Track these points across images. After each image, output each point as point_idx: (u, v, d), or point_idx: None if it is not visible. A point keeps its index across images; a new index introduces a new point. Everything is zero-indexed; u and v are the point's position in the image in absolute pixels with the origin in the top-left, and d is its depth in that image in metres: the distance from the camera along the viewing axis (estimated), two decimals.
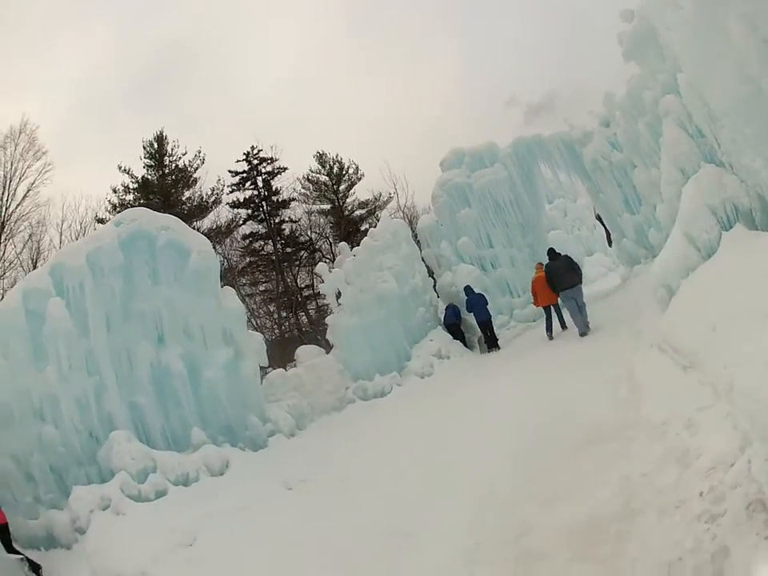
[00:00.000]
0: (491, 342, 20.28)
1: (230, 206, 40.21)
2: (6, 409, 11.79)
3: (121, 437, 11.88)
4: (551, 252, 18.34)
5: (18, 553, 10.47)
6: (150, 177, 38.43)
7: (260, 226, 40.39)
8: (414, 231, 24.60)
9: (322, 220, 41.88)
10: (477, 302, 20.47)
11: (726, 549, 4.50)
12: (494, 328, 20.64)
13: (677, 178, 12.55)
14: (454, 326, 20.85)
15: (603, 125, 22.81)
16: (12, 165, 32.92)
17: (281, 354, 25.08)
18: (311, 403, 16.53)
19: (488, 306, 20.56)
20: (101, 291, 12.87)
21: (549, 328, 18.10)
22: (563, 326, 18.07)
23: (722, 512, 4.87)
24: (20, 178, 33.05)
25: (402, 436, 12.52)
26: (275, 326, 38.55)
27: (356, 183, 42.61)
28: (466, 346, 20.75)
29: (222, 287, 15.35)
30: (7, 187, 32.63)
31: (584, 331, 16.41)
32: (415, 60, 79.75)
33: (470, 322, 21.14)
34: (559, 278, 17.25)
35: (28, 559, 10.20)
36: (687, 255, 10.33)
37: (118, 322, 13.06)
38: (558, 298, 17.85)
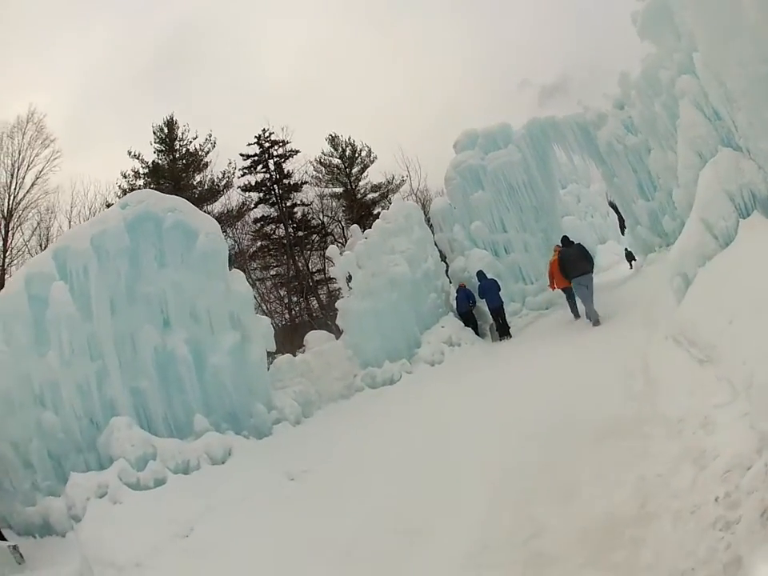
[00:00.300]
0: (503, 330, 20.05)
1: (242, 190, 40.04)
2: (6, 395, 11.66)
3: (121, 423, 11.70)
4: (565, 239, 18.37)
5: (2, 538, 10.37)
6: (160, 161, 38.32)
7: (272, 210, 40.15)
8: (426, 215, 24.34)
9: (334, 203, 41.72)
10: (489, 288, 20.22)
11: (739, 559, 4.26)
12: (506, 315, 20.40)
13: (694, 162, 12.22)
14: (467, 313, 20.60)
15: (617, 107, 22.43)
16: (20, 153, 33.30)
17: (291, 339, 24.87)
18: (319, 390, 16.29)
19: (500, 293, 20.29)
20: (106, 274, 12.65)
21: (573, 309, 18.09)
22: (576, 314, 17.84)
23: (736, 519, 4.60)
24: (28, 166, 33.47)
25: (410, 426, 12.25)
26: (285, 311, 38.39)
27: (369, 166, 42.31)
28: (477, 333, 20.49)
29: (230, 270, 15.09)
30: (15, 175, 32.96)
31: (596, 319, 16.35)
32: (428, 41, 79.38)
33: (481, 308, 20.89)
34: (571, 265, 17.22)
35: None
36: (704, 243, 9.93)
37: (123, 306, 12.84)
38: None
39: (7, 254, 31.97)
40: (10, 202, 32.55)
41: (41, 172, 33.62)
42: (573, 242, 18.08)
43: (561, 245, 18.40)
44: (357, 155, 41.92)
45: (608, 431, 7.91)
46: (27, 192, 33.21)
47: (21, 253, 31.99)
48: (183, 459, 11.62)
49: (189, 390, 13.08)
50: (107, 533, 9.51)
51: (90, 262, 12.51)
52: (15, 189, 32.82)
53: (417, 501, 8.26)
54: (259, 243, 40.01)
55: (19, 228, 33.09)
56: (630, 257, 29.06)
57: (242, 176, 40.14)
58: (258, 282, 36.74)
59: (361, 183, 42.09)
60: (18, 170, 33.09)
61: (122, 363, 12.52)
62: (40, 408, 11.84)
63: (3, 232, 32.27)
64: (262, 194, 40.18)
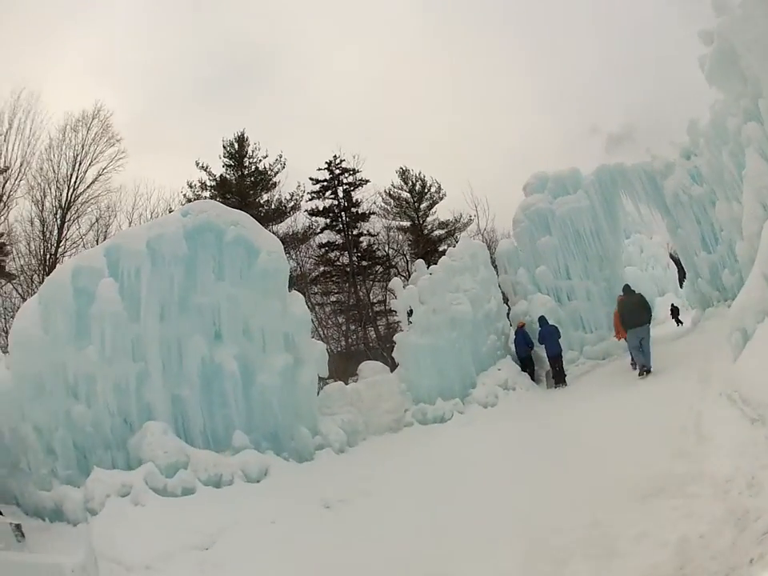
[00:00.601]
0: (559, 377, 19.50)
1: (309, 214, 39.94)
2: (37, 379, 11.60)
3: (156, 428, 11.53)
4: (626, 288, 18.17)
5: None
6: (228, 176, 38.54)
7: (337, 237, 40.04)
8: (492, 255, 23.97)
9: (400, 236, 41.36)
10: (550, 335, 19.75)
11: None
12: (564, 363, 19.89)
13: (759, 214, 11.82)
14: (527, 358, 20.16)
15: (684, 157, 22.03)
16: (83, 148, 34.01)
17: (344, 367, 24.60)
18: (367, 421, 15.92)
19: (560, 340, 19.82)
20: (158, 279, 12.54)
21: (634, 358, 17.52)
22: (634, 365, 17.31)
23: None
24: (90, 162, 34.14)
25: (455, 467, 11.75)
26: (342, 338, 38.05)
27: (437, 202, 41.92)
28: (533, 378, 19.97)
29: (290, 292, 14.92)
30: (77, 169, 33.68)
31: (648, 368, 16.12)
32: (502, 81, 79.17)
33: (539, 354, 20.40)
34: (631, 315, 17.04)
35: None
36: (765, 298, 9.56)
37: (173, 313, 12.70)
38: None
39: (61, 244, 32.51)
40: (69, 194, 33.27)
41: (104, 169, 34.35)
42: (634, 292, 17.90)
43: (622, 293, 18.06)
44: (426, 191, 41.60)
45: (656, 489, 7.48)
46: (88, 187, 33.95)
47: (75, 245, 32.30)
48: (216, 473, 11.36)
49: (232, 405, 12.82)
50: (122, 531, 9.31)
51: (143, 263, 12.43)
52: (76, 182, 33.55)
53: (452, 548, 7.77)
54: (322, 268, 39.86)
55: (76, 220, 33.68)
56: (675, 313, 28.52)
57: (311, 200, 40.17)
58: (317, 307, 36.54)
59: (428, 219, 41.74)
60: (80, 164, 33.81)
61: (165, 369, 12.38)
62: (72, 399, 11.73)
63: (59, 222, 32.84)
64: (329, 220, 40.10)
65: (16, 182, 32.54)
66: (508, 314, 22.02)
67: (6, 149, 32.71)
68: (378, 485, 11.40)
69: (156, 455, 11.09)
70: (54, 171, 33.26)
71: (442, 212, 41.78)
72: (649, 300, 18.71)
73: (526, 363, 20.17)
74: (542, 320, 20.22)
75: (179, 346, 12.68)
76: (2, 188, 32.29)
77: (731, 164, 16.33)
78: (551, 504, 8.28)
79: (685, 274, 26.73)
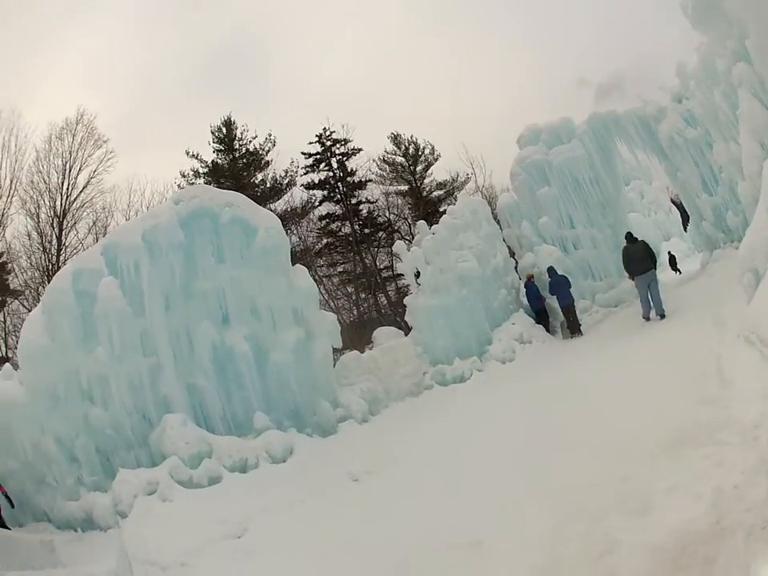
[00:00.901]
0: (573, 328, 19.27)
1: (305, 188, 39.59)
2: (51, 390, 11.55)
3: (175, 420, 11.49)
4: (628, 236, 17.87)
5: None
6: (219, 161, 38.30)
7: (336, 207, 39.63)
8: (493, 211, 23.71)
9: (399, 201, 41.00)
10: (560, 285, 19.49)
11: None
12: (577, 312, 19.67)
13: (757, 153, 11.64)
14: (541, 310, 19.96)
15: (675, 100, 21.55)
16: (71, 154, 34.31)
17: (359, 336, 24.49)
18: (386, 387, 15.83)
19: (570, 290, 19.59)
20: (158, 270, 12.44)
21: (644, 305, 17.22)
22: (645, 311, 17.05)
23: None
24: (80, 167, 34.46)
25: (481, 427, 11.50)
26: (353, 308, 38.17)
27: (432, 164, 41.40)
28: (548, 330, 19.78)
29: (293, 266, 14.74)
30: (68, 176, 34.00)
31: (662, 314, 16.05)
32: (488, 40, 78.24)
33: (552, 305, 20.19)
34: (635, 262, 16.87)
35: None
36: None
37: (178, 302, 12.62)
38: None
39: (62, 253, 32.71)
40: (64, 202, 33.64)
41: (94, 172, 34.67)
42: (636, 239, 17.61)
43: (625, 241, 17.74)
44: (420, 153, 41.10)
45: (684, 438, 7.20)
46: (81, 192, 34.29)
47: (76, 251, 32.18)
48: (241, 457, 11.32)
49: (249, 387, 12.76)
50: (153, 530, 9.27)
51: (141, 257, 12.34)
52: (68, 189, 33.94)
53: (482, 513, 7.57)
54: (325, 241, 39.61)
55: (74, 227, 34.11)
56: (672, 262, 28.24)
57: (305, 174, 39.76)
58: (324, 279, 36.55)
59: (425, 181, 41.24)
60: (70, 170, 34.14)
61: (177, 359, 12.31)
62: (88, 403, 11.71)
63: (57, 231, 33.18)
64: (326, 192, 39.71)
65: (8, 200, 32.96)
66: (516, 267, 21.81)
67: None
68: (404, 452, 11.21)
69: (178, 447, 11.06)
70: (45, 182, 33.64)
71: (438, 173, 41.88)
72: (653, 246, 18.64)
73: (541, 315, 19.97)
74: (551, 270, 19.97)
75: (188, 334, 12.61)
76: None
77: (725, 105, 16.15)
78: (579, 460, 8.05)
79: (688, 217, 26.32)
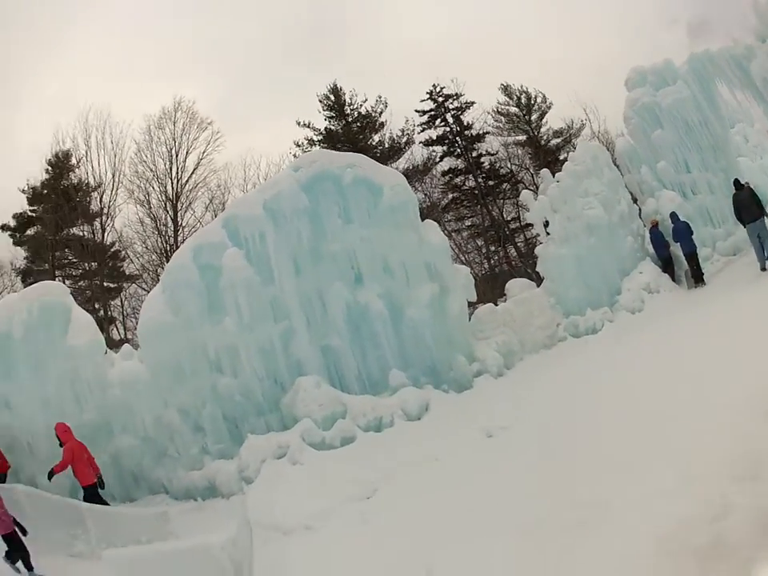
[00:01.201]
0: (697, 277, 18.42)
1: (424, 145, 39.53)
2: (176, 364, 11.94)
3: (308, 383, 11.60)
4: (736, 182, 17.24)
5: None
6: (333, 127, 38.77)
7: (458, 162, 39.48)
8: (612, 157, 23.02)
9: (519, 151, 40.30)
10: (683, 232, 18.64)
11: None
12: (699, 261, 18.87)
13: None
14: (668, 258, 19.22)
15: (759, 40, 19.94)
16: (175, 141, 36.17)
17: (491, 288, 24.23)
18: (521, 340, 15.48)
19: (693, 237, 18.80)
20: (284, 237, 12.51)
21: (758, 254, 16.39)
22: (760, 259, 16.14)
23: None
24: (188, 151, 36.36)
25: (616, 380, 10.96)
26: (484, 261, 37.89)
27: (546, 112, 40.54)
28: (673, 280, 19.05)
29: (423, 222, 14.55)
30: (175, 161, 35.91)
31: (764, 266, 15.43)
32: None
33: (676, 253, 19.43)
34: (744, 209, 16.22)
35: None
36: None
37: (307, 266, 12.67)
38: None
39: (179, 234, 34.53)
40: (175, 186, 35.58)
41: (203, 153, 36.29)
42: (743, 185, 16.99)
43: (733, 187, 17.01)
44: (532, 102, 40.30)
45: None
46: (192, 174, 36.02)
47: (194, 230, 33.50)
48: (375, 416, 11.39)
49: (384, 345, 12.72)
50: (279, 494, 9.42)
51: (265, 226, 12.43)
52: (178, 173, 35.78)
53: (613, 467, 7.16)
54: (450, 195, 39.48)
55: (189, 207, 35.94)
56: None
57: (422, 132, 39.69)
58: (453, 234, 36.17)
59: (542, 130, 40.44)
60: (177, 155, 35.99)
61: (309, 322, 12.39)
62: (216, 374, 12.01)
63: (172, 213, 35.19)
64: (445, 147, 39.57)
65: (113, 192, 35.29)
66: (639, 214, 21.08)
67: (92, 167, 35.67)
68: (539, 407, 11.00)
69: (311, 410, 11.18)
70: (152, 170, 35.65)
71: (553, 121, 40.53)
72: (761, 193, 17.59)
73: (666, 263, 19.07)
74: (674, 216, 19.10)
75: (320, 296, 12.67)
76: (100, 202, 35.40)
77: None
78: (716, 415, 7.60)
79: None
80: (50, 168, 36.37)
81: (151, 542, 9.06)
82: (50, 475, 10.76)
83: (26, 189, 36.63)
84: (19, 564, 9.21)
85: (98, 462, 11.41)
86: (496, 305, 17.15)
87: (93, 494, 10.80)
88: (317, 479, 9.67)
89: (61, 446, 10.97)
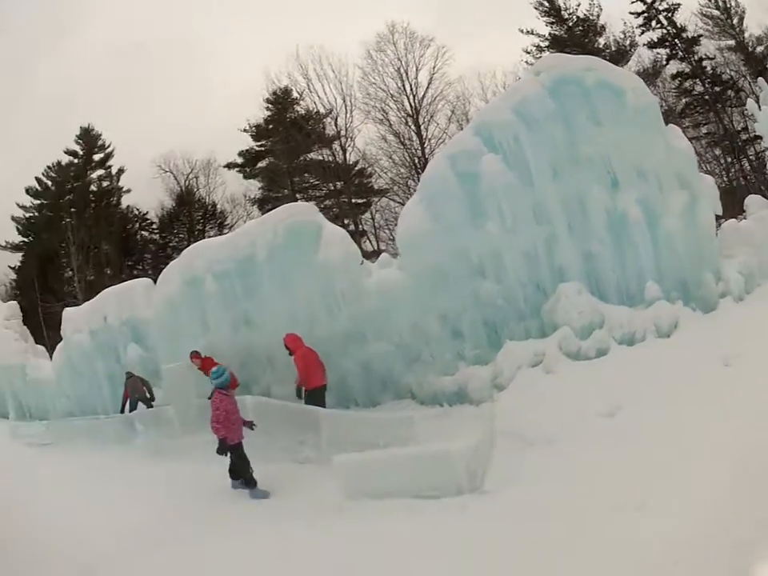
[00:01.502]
0: None
1: (648, 47, 37.88)
2: (437, 269, 12.03)
3: (570, 289, 11.43)
4: None
5: None
6: (556, 32, 38.41)
7: (683, 65, 37.39)
8: None
9: (733, 56, 37.04)
10: None
11: None
12: None
13: None
14: None
15: None
16: (400, 60, 37.86)
17: (731, 203, 22.78)
18: (761, 263, 13.99)
19: None
20: (539, 141, 12.14)
21: None
22: None
23: None
24: (417, 68, 37.89)
25: None
26: (723, 173, 35.58)
27: (743, 18, 36.81)
28: None
29: (666, 126, 13.62)
30: (406, 79, 37.77)
31: None
32: None
33: None
34: None
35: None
36: None
37: (565, 170, 12.24)
38: None
39: (425, 145, 36.32)
40: (413, 101, 37.44)
41: (434, 68, 37.57)
42: None
43: None
44: (729, 5, 36.76)
45: None
46: (427, 89, 37.44)
47: (440, 141, 35.42)
48: (630, 330, 11.06)
49: (642, 255, 12.11)
50: (528, 403, 9.40)
51: (519, 130, 12.12)
52: (412, 89, 37.64)
53: None
54: (683, 100, 37.64)
55: (431, 120, 37.36)
56: None
57: (642, 34, 38.06)
58: (692, 141, 34.10)
59: (745, 36, 36.80)
60: (407, 73, 37.70)
61: (571, 227, 12.08)
62: (478, 279, 12.05)
63: (414, 128, 37.03)
64: (668, 50, 37.64)
65: (348, 116, 38.35)
66: None
67: (318, 97, 38.82)
68: None
69: (571, 318, 11.05)
70: (385, 90, 37.83)
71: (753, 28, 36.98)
72: None
73: None
74: None
75: (580, 201, 12.24)
76: (336, 126, 38.63)
77: None
78: None
79: None
80: (270, 105, 40.77)
81: (389, 446, 9.23)
82: (298, 392, 11.27)
83: (247, 128, 41.51)
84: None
85: (345, 369, 11.80)
86: (738, 221, 15.78)
87: (320, 396, 11.14)
88: (566, 391, 9.59)
89: (290, 354, 11.45)
